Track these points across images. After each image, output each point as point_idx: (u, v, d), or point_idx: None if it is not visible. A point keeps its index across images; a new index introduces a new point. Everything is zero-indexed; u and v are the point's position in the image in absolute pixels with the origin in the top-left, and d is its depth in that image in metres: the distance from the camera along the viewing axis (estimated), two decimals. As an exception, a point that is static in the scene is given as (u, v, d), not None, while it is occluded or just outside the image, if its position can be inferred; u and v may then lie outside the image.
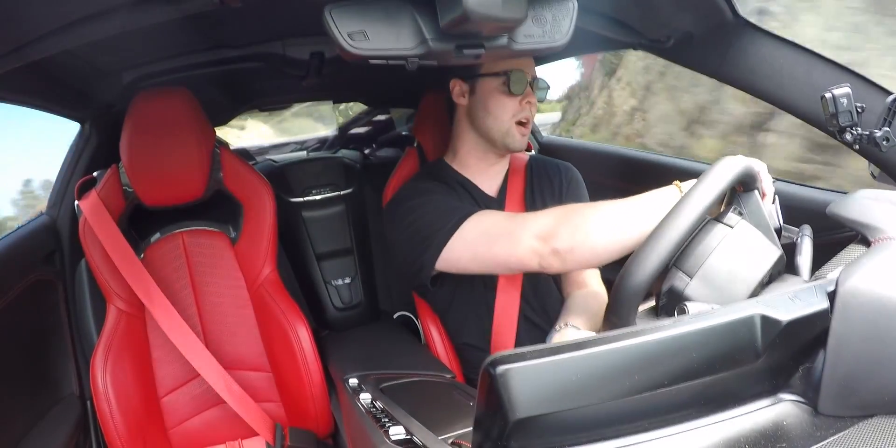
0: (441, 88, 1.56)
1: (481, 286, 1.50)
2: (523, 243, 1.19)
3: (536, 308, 1.53)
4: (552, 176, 1.62)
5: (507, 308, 1.49)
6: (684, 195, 0.89)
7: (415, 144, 1.83)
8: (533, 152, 1.71)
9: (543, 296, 1.54)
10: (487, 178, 1.56)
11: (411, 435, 1.05)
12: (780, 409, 0.70)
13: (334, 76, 1.69)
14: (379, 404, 1.23)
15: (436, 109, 1.67)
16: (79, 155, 1.78)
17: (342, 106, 3.38)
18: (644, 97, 5.57)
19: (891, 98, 1.04)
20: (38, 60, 1.04)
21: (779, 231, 0.98)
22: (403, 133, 2.86)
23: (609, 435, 0.64)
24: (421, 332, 1.70)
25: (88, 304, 1.65)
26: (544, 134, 2.59)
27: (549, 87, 1.48)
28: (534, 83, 1.44)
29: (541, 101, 1.48)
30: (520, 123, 1.44)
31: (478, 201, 1.51)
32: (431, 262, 1.34)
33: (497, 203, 1.53)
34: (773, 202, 1.04)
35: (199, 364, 1.53)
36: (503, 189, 1.56)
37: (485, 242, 1.27)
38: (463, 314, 1.56)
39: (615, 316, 0.88)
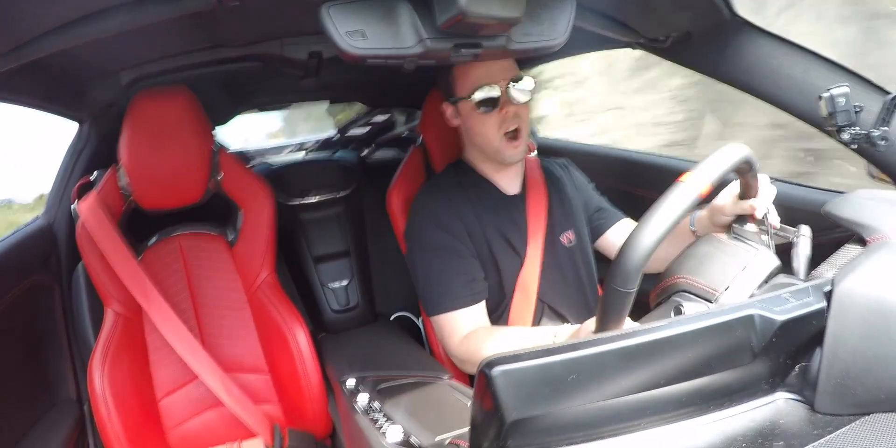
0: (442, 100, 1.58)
1: (498, 290, 1.51)
2: (449, 351, 1.47)
3: (554, 309, 1.53)
4: (561, 173, 1.66)
5: (522, 311, 1.50)
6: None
7: (419, 143, 1.83)
8: (534, 153, 1.71)
9: (561, 297, 1.55)
10: (507, 177, 1.57)
11: (408, 435, 1.05)
12: (777, 408, 0.70)
13: (333, 76, 1.69)
14: (376, 405, 1.23)
15: (441, 108, 1.67)
16: (77, 156, 1.78)
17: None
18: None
19: (889, 98, 1.04)
20: (37, 60, 1.04)
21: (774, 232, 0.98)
22: (404, 134, 2.86)
23: (606, 434, 0.64)
24: (423, 331, 1.69)
25: (85, 308, 1.65)
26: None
27: (532, 85, 1.44)
28: (510, 90, 1.41)
29: (526, 99, 1.44)
30: (508, 135, 1.45)
31: (502, 203, 1.53)
32: (427, 313, 1.50)
33: (520, 200, 1.55)
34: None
35: (198, 366, 1.52)
36: (524, 188, 1.58)
37: (436, 329, 1.50)
38: None
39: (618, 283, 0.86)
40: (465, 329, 1.42)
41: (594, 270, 1.63)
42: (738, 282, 0.89)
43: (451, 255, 1.45)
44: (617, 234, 1.62)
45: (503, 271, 1.49)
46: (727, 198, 1.14)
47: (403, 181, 1.74)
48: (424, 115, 1.79)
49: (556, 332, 1.13)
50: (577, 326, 1.10)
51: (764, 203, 1.05)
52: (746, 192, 1.07)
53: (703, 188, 0.83)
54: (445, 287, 1.44)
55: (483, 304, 1.46)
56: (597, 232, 1.64)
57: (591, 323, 0.91)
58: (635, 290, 0.78)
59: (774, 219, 1.05)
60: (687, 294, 0.90)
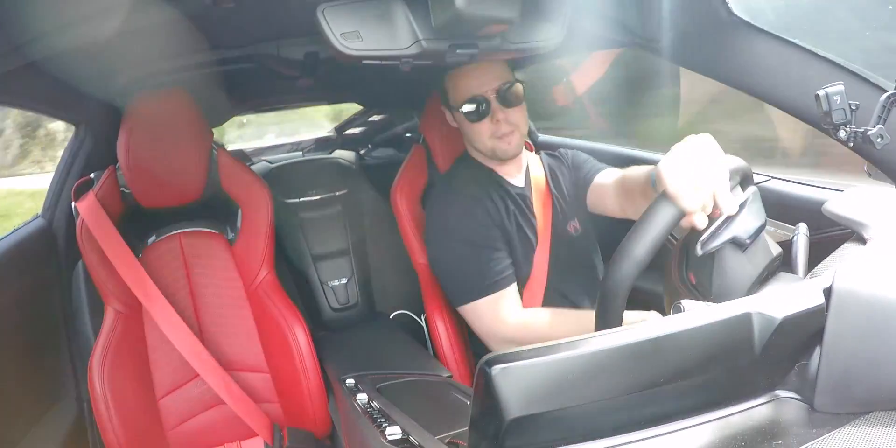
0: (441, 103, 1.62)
1: (518, 277, 1.53)
2: (497, 338, 1.48)
3: (564, 296, 1.57)
4: (559, 161, 1.70)
5: (532, 300, 1.54)
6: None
7: (420, 142, 1.83)
8: (533, 152, 1.72)
9: (570, 283, 1.58)
10: (511, 171, 1.61)
11: (408, 434, 1.05)
12: (776, 407, 0.70)
13: (330, 76, 1.69)
14: (375, 404, 1.23)
15: (441, 109, 1.68)
16: (74, 157, 1.78)
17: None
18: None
19: (885, 96, 1.04)
20: (34, 62, 1.04)
21: (762, 227, 0.95)
22: (407, 135, 2.86)
23: (605, 433, 0.64)
24: (426, 328, 1.70)
25: (85, 306, 1.65)
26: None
27: (521, 91, 1.47)
28: (500, 96, 1.45)
29: (517, 104, 1.47)
30: (501, 137, 1.49)
31: (512, 194, 1.57)
32: (454, 305, 1.54)
33: (527, 192, 1.59)
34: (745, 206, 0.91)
35: (198, 365, 1.53)
36: (528, 182, 1.62)
37: (477, 319, 1.50)
38: None
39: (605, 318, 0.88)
40: (514, 309, 1.46)
41: (599, 254, 1.68)
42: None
43: (484, 242, 1.49)
44: (600, 186, 1.58)
45: (516, 260, 1.52)
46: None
47: (407, 179, 1.74)
48: (426, 115, 1.79)
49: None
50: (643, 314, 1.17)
51: (702, 214, 0.87)
52: None
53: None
54: (483, 273, 1.46)
55: (516, 285, 1.50)
56: (586, 187, 1.62)
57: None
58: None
59: (728, 206, 0.87)
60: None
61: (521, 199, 1.57)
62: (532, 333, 1.41)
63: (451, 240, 1.51)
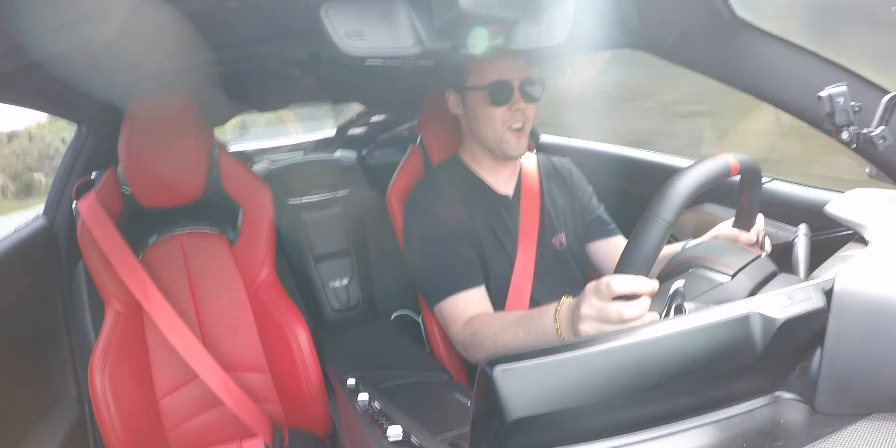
0: (445, 87, 1.58)
1: (492, 288, 1.50)
2: (454, 342, 1.42)
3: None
4: (559, 173, 1.67)
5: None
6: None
7: (418, 142, 1.83)
8: (533, 151, 1.72)
9: (556, 298, 1.54)
10: (502, 178, 1.58)
11: (409, 435, 1.05)
12: (777, 408, 0.70)
13: (332, 76, 1.69)
14: (376, 405, 1.22)
15: (440, 108, 1.67)
16: (76, 156, 1.78)
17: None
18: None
19: (887, 97, 1.04)
20: (37, 61, 1.04)
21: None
22: (404, 134, 2.86)
23: (606, 434, 0.64)
24: (423, 329, 1.70)
25: (86, 307, 1.65)
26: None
27: (542, 86, 1.47)
28: (523, 88, 1.44)
29: (535, 101, 1.46)
30: (513, 128, 1.46)
31: (493, 201, 1.54)
32: (429, 304, 1.49)
33: (513, 201, 1.56)
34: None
35: (198, 365, 1.52)
36: (518, 189, 1.59)
37: (440, 321, 1.47)
38: None
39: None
40: (468, 313, 1.38)
41: (587, 271, 1.64)
42: (753, 266, 0.90)
43: (448, 242, 1.45)
44: (608, 248, 1.63)
45: (492, 272, 1.49)
46: (725, 229, 1.19)
47: (403, 180, 1.74)
48: (422, 115, 1.79)
49: (556, 308, 1.09)
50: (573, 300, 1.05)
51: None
52: (743, 219, 1.11)
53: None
54: (444, 273, 1.43)
55: (483, 289, 1.44)
56: (588, 239, 1.64)
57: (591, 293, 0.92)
58: (673, 221, 0.82)
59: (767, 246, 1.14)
60: (702, 269, 0.91)
61: (502, 207, 1.54)
62: (469, 338, 1.34)
63: (420, 239, 1.49)
